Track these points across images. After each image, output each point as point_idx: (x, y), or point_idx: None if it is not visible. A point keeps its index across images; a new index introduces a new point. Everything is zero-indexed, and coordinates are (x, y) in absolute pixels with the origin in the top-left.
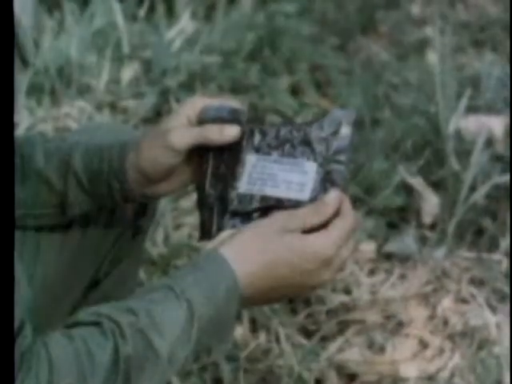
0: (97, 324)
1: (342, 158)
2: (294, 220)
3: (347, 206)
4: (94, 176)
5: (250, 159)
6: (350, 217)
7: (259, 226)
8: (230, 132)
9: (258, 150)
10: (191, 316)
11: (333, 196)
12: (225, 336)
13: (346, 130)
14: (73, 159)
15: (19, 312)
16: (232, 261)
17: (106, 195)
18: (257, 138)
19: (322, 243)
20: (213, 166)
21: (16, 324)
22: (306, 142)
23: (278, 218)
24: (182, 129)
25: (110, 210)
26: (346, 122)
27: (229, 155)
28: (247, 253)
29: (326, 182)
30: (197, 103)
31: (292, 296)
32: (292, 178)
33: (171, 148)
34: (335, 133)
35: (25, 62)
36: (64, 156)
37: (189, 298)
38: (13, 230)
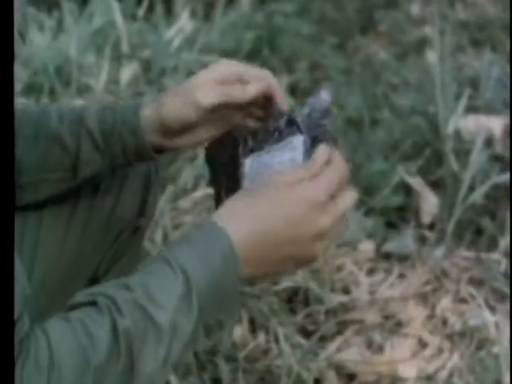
0: (92, 303)
1: (325, 121)
2: (283, 176)
3: (337, 156)
4: (107, 131)
5: (248, 162)
6: (339, 164)
7: (248, 189)
8: (252, 88)
9: (252, 151)
10: (187, 282)
11: (320, 151)
12: (230, 305)
13: (324, 96)
14: (86, 116)
15: (18, 301)
16: (223, 222)
17: (119, 152)
18: (250, 142)
19: (312, 188)
20: (225, 184)
21: (15, 313)
22: (291, 122)
23: (266, 178)
24: (208, 86)
25: (114, 202)
26: (325, 89)
27: (235, 170)
28: (236, 212)
29: (314, 147)
30: (222, 65)
31: (297, 256)
32: (284, 157)
33: (197, 104)
34: (315, 102)
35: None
36: (78, 115)
37: (183, 265)
38: (12, 224)
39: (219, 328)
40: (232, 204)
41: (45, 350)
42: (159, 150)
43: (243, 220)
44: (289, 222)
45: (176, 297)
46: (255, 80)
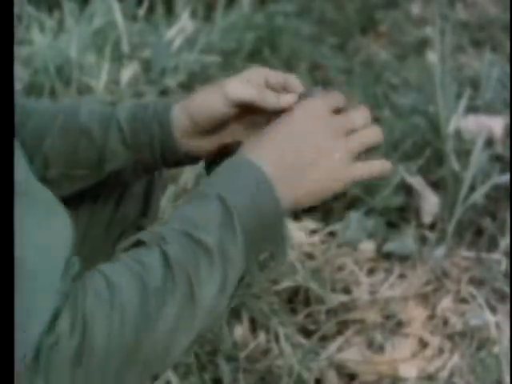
0: (138, 242)
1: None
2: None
3: None
4: (136, 125)
5: None
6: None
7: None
8: (287, 98)
9: None
10: (226, 208)
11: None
12: (275, 233)
13: (318, 93)
14: (118, 110)
15: (66, 244)
16: (246, 152)
17: (146, 146)
18: None
19: (314, 105)
20: None
21: (62, 263)
22: None
23: None
24: (241, 82)
25: (115, 203)
26: (318, 89)
27: None
28: (256, 142)
29: None
30: (260, 71)
31: (326, 159)
32: None
33: (225, 96)
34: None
35: None
36: (109, 109)
37: (218, 192)
38: (12, 201)
39: (272, 260)
40: (251, 140)
41: (101, 280)
42: (185, 154)
43: (264, 145)
44: (304, 129)
45: (217, 222)
46: (287, 89)
